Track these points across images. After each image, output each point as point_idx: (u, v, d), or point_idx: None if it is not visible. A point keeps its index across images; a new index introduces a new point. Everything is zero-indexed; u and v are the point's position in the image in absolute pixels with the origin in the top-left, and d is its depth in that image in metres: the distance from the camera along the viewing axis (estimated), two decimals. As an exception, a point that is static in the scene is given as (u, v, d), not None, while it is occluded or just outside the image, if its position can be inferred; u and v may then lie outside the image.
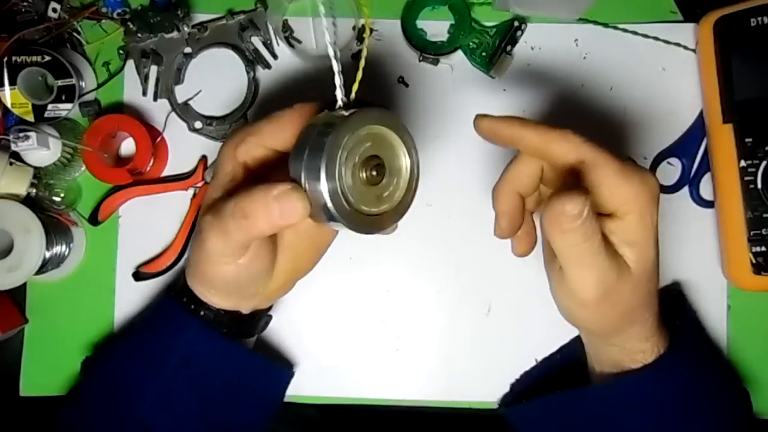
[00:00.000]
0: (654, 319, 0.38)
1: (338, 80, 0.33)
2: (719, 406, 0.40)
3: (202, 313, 0.38)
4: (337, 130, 0.31)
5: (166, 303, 0.39)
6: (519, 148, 0.37)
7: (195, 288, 0.38)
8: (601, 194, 0.34)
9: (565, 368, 0.46)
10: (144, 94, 0.48)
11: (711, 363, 0.45)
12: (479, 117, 0.37)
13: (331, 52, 0.32)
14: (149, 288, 0.48)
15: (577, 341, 0.47)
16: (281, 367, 0.44)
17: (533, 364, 0.48)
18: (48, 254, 0.45)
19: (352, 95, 0.33)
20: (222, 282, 0.37)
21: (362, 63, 0.32)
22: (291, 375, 0.44)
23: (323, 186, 0.31)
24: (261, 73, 0.49)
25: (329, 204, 0.31)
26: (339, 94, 0.33)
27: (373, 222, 0.33)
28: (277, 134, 0.35)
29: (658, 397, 0.38)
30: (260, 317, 0.42)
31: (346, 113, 0.32)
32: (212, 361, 0.38)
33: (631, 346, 0.38)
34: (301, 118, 0.34)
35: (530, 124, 0.36)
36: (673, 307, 0.40)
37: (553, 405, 0.42)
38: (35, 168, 0.46)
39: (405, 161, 0.34)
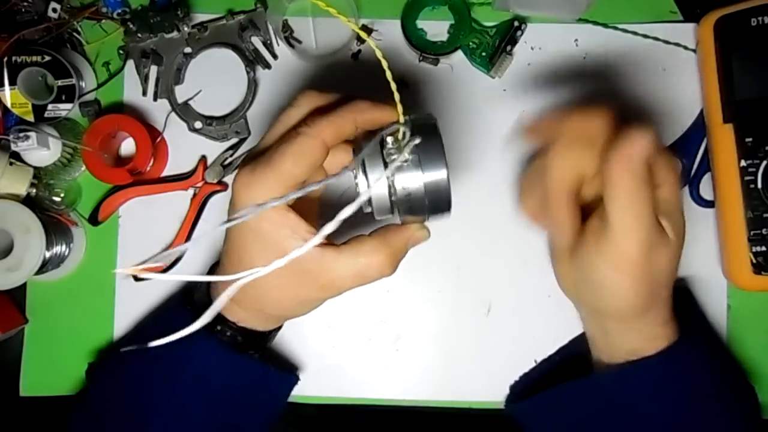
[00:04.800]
0: (670, 303, 0.38)
1: (398, 98, 0.34)
2: (730, 396, 0.40)
3: (222, 330, 0.38)
4: (439, 138, 0.34)
5: (185, 318, 0.39)
6: (562, 140, 0.37)
7: (230, 309, 0.38)
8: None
9: (564, 368, 0.46)
10: (144, 94, 0.48)
11: (720, 354, 0.45)
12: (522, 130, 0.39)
13: (393, 87, 0.33)
14: (149, 288, 0.48)
15: (576, 342, 0.47)
16: (288, 374, 0.45)
17: (533, 364, 0.48)
18: (48, 254, 0.45)
19: (400, 117, 0.35)
20: (285, 318, 0.40)
21: (393, 85, 0.33)
22: (296, 381, 0.44)
23: (450, 191, 0.33)
24: (261, 73, 0.49)
25: (451, 206, 0.34)
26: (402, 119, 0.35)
27: None
28: (314, 173, 0.35)
29: (671, 385, 0.38)
30: (274, 331, 0.43)
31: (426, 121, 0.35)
32: (226, 375, 0.39)
33: (650, 331, 0.38)
34: (323, 147, 0.34)
35: (567, 116, 0.37)
36: (680, 300, 0.40)
37: (564, 396, 0.41)
38: (35, 168, 0.47)
39: None
